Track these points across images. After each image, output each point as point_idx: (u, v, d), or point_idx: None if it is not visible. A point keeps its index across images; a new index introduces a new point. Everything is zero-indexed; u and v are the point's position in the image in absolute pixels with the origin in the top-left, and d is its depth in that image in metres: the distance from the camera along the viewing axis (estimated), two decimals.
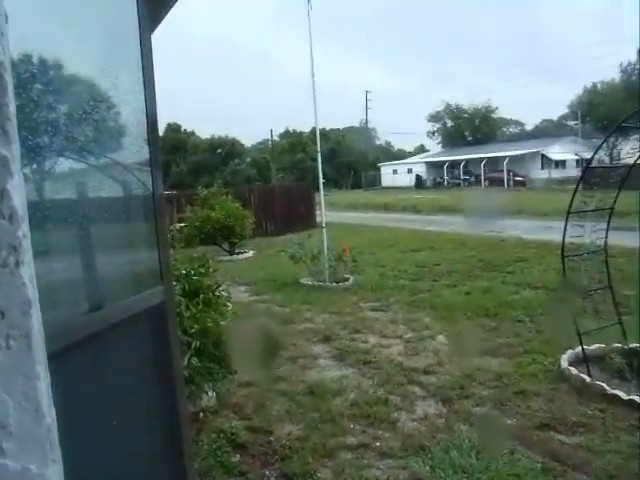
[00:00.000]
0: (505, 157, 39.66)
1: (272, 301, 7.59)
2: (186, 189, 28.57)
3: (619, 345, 4.50)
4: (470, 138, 58.41)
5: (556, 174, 37.87)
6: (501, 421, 3.68)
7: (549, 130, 53.06)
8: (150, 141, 1.61)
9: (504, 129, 63.48)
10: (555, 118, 59.41)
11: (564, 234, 4.15)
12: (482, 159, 41.66)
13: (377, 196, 35.13)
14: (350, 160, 56.14)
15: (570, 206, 4.09)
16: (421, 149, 67.94)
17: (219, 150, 53.38)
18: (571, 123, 53.09)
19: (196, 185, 17.91)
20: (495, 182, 38.68)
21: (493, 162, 41.67)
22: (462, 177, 43.81)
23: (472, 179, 43.07)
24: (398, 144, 75.12)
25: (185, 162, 52.30)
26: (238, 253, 12.90)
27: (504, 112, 60.37)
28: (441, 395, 4.13)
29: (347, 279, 8.53)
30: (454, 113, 59.64)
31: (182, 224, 11.05)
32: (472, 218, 18.42)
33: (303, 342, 5.66)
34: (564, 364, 4.38)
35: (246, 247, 13.31)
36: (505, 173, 39.01)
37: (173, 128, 54.34)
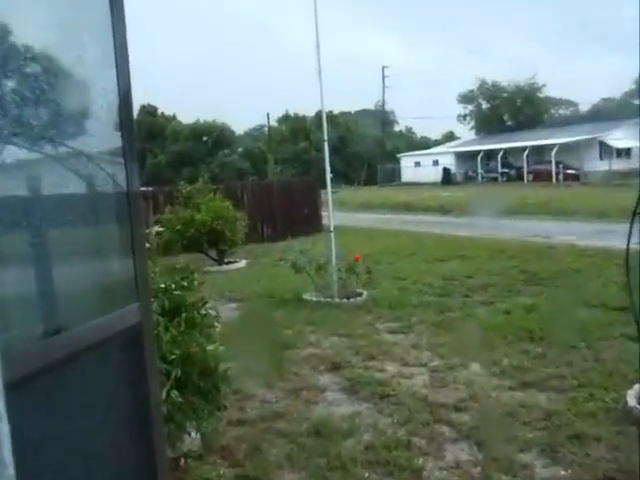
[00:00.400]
0: (554, 145, 39.58)
1: (269, 321, 7.58)
2: (165, 185, 28.62)
3: None
4: (510, 123, 58.42)
5: (618, 165, 37.51)
6: (553, 471, 3.64)
7: (610, 111, 52.73)
8: (123, 126, 1.61)
9: (553, 111, 63.44)
10: (617, 96, 59.15)
11: (628, 239, 4.10)
12: (525, 148, 41.63)
13: (396, 193, 35.12)
14: (363, 150, 56.24)
15: (637, 205, 4.05)
16: (450, 137, 68.05)
17: (205, 138, 53.60)
18: (638, 102, 52.87)
19: (177, 180, 18.00)
20: (541, 176, 38.61)
21: (539, 152, 41.61)
22: (500, 170, 43.78)
23: (512, 173, 43.04)
24: (421, 130, 75.37)
25: (164, 152, 52.60)
26: (228, 263, 12.91)
27: (553, 90, 60.61)
28: (476, 437, 4.09)
29: (360, 294, 8.52)
30: (490, 92, 59.73)
31: (159, 227, 11.07)
32: (511, 220, 18.35)
33: (307, 371, 5.64)
34: (632, 401, 4.31)
35: (238, 255, 13.32)
36: (553, 165, 38.92)
37: (149, 111, 54.70)
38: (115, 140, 1.61)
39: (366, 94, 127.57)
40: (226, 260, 12.97)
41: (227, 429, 4.34)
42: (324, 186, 9.75)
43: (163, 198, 14.91)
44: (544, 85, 58.12)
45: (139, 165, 1.79)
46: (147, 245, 2.02)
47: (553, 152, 39.12)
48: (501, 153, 44.24)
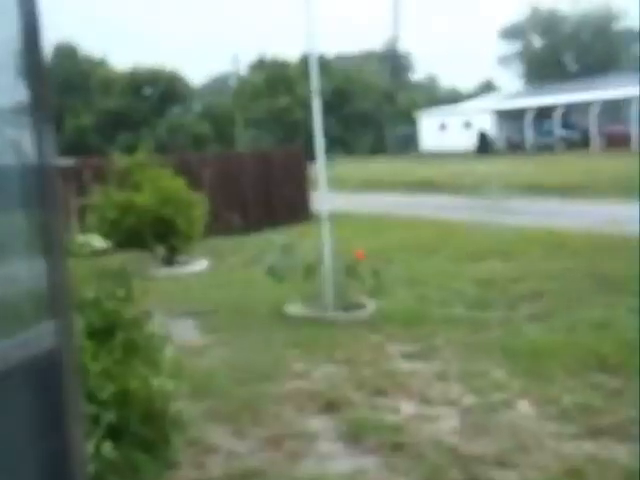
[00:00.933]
0: (636, 98, 39.29)
1: (239, 344, 7.59)
2: (92, 156, 28.63)
3: None
4: (573, 67, 58.24)
5: None
6: None
7: None
8: (30, 73, 1.60)
9: (634, 49, 63.01)
10: None
11: None
12: (594, 103, 41.59)
13: (413, 167, 35.13)
14: (368, 108, 56.27)
15: None
16: (487, 87, 68.10)
17: (148, 90, 53.41)
18: None
19: (109, 149, 17.95)
20: (617, 141, 38.54)
21: (614, 108, 41.55)
22: (559, 134, 43.84)
23: (576, 137, 43.09)
24: (448, 79, 75.35)
25: (90, 110, 52.39)
26: (182, 264, 12.93)
27: (635, 19, 59.80)
28: None
29: (363, 306, 8.54)
30: (546, 24, 59.54)
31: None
32: (573, 203, 18.40)
33: (291, 412, 5.65)
34: None
35: (196, 254, 13.31)
36: (637, 126, 38.65)
37: (66, 52, 54.34)
38: (18, 92, 1.59)
39: (372, 30, 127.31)
40: (179, 260, 12.97)
41: None
42: (314, 158, 9.73)
43: (91, 174, 14.81)
44: (624, 13, 57.76)
45: (55, 128, 1.78)
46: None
47: (635, 107, 38.96)
48: (561, 111, 44.15)
